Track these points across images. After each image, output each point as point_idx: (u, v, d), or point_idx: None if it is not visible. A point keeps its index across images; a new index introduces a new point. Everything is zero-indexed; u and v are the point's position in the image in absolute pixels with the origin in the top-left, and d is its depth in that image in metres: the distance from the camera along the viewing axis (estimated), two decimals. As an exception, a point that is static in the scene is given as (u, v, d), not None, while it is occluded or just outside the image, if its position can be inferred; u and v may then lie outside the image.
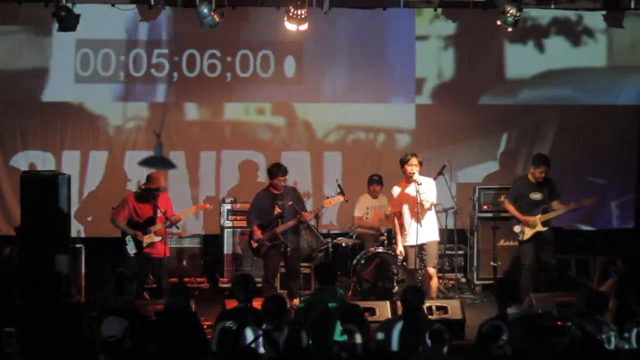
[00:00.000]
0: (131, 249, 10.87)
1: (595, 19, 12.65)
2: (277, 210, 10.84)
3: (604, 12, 12.34)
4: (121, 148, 12.51)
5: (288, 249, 10.77)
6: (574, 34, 12.93)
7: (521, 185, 11.13)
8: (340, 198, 11.14)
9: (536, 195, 11.00)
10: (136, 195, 11.00)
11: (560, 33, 12.89)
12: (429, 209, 10.41)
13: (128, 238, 10.88)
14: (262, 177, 12.48)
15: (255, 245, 10.87)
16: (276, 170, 10.81)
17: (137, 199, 10.94)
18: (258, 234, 10.81)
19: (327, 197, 11.20)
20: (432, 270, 10.48)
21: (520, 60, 12.95)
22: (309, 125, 12.86)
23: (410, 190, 10.38)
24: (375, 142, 12.90)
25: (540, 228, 10.94)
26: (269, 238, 10.81)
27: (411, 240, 10.40)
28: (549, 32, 12.89)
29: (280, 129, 12.81)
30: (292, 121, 12.83)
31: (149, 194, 10.83)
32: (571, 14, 12.74)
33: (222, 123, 12.76)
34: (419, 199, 10.26)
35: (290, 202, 10.81)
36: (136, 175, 12.12)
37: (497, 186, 12.25)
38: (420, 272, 10.65)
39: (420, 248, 10.45)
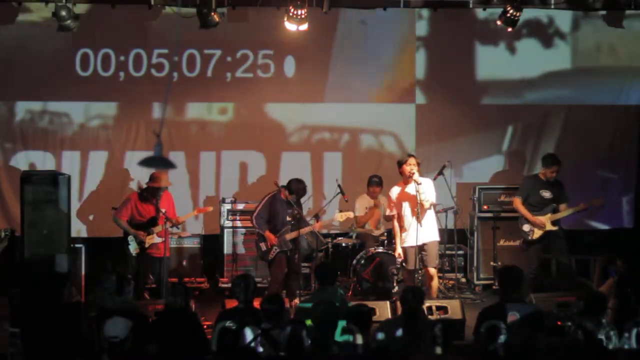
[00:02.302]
0: (133, 249, 10.87)
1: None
2: (289, 218, 10.90)
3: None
4: (121, 148, 12.49)
5: (296, 256, 10.88)
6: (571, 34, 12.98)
7: (531, 183, 11.15)
8: (351, 214, 11.27)
9: (546, 193, 11.02)
10: (139, 194, 11.00)
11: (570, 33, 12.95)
12: (429, 208, 10.40)
13: (130, 238, 10.88)
14: (263, 177, 12.49)
15: (265, 248, 10.91)
16: (297, 188, 10.86)
17: (140, 198, 10.94)
18: (273, 239, 10.85)
19: (341, 211, 11.24)
20: (432, 271, 10.47)
21: (521, 61, 12.92)
22: (308, 126, 12.85)
23: (410, 189, 10.37)
24: (375, 142, 12.88)
25: (550, 227, 10.95)
26: (280, 244, 10.87)
27: (411, 241, 10.38)
28: (552, 32, 12.90)
29: (279, 129, 12.79)
30: (292, 121, 12.81)
31: (152, 192, 10.83)
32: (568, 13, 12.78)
33: (222, 123, 12.73)
34: (419, 199, 10.25)
35: (297, 212, 10.86)
36: (137, 176, 12.11)
37: (497, 186, 12.26)
38: (420, 272, 10.65)
39: (421, 248, 10.44)
